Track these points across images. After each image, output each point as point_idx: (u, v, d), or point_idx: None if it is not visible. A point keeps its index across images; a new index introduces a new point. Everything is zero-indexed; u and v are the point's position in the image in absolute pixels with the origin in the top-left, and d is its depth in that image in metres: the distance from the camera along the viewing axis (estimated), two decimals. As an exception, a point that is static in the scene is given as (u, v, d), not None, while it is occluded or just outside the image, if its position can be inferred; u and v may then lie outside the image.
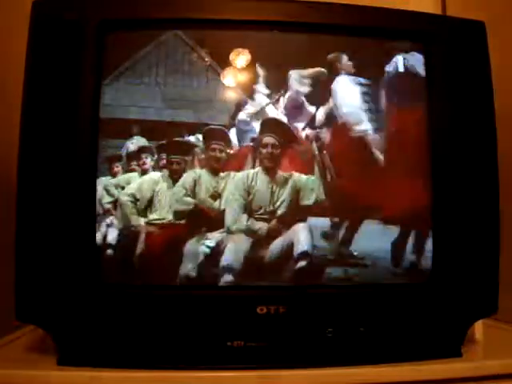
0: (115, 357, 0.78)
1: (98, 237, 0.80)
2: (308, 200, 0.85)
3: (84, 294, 0.78)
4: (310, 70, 0.86)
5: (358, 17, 0.86)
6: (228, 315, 0.79)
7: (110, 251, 0.81)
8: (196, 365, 0.78)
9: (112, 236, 0.81)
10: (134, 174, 0.84)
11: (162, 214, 0.83)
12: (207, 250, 0.82)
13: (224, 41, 0.85)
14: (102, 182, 0.81)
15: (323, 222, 0.85)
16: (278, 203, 0.84)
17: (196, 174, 0.84)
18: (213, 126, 0.84)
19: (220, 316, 0.79)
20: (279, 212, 0.84)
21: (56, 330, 0.79)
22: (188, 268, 0.81)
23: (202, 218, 0.83)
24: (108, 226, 0.82)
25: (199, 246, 0.82)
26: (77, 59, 0.80)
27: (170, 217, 0.83)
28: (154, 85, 0.84)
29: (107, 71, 0.82)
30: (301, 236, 0.83)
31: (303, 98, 0.87)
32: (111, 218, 0.82)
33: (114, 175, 0.83)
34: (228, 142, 0.84)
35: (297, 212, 0.84)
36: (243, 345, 0.79)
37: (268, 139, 0.85)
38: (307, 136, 0.86)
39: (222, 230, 0.83)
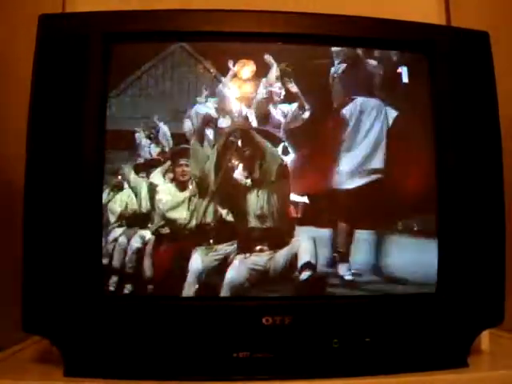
0: (121, 368, 0.78)
1: (104, 249, 0.81)
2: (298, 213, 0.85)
3: (90, 305, 0.78)
4: (314, 81, 0.86)
5: (362, 28, 0.87)
6: (233, 326, 0.79)
7: (116, 262, 0.82)
8: (202, 376, 0.78)
9: (118, 247, 0.82)
10: (141, 185, 0.84)
11: (169, 223, 0.83)
12: (213, 262, 0.82)
13: (229, 53, 0.86)
14: (108, 193, 0.82)
15: (324, 233, 0.85)
16: (275, 214, 0.84)
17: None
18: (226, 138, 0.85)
19: (225, 327, 0.79)
20: (279, 222, 0.84)
21: (62, 341, 0.80)
22: (193, 279, 0.82)
23: (209, 232, 0.84)
24: (114, 237, 0.82)
25: (205, 257, 0.82)
26: (83, 72, 0.80)
27: (177, 227, 0.83)
28: (159, 97, 0.84)
29: (113, 83, 0.83)
30: (304, 247, 0.83)
31: (307, 109, 0.87)
32: (117, 229, 0.83)
33: (120, 187, 0.83)
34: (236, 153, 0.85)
35: (296, 223, 0.85)
36: (249, 356, 0.79)
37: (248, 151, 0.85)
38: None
39: (228, 243, 0.83)
